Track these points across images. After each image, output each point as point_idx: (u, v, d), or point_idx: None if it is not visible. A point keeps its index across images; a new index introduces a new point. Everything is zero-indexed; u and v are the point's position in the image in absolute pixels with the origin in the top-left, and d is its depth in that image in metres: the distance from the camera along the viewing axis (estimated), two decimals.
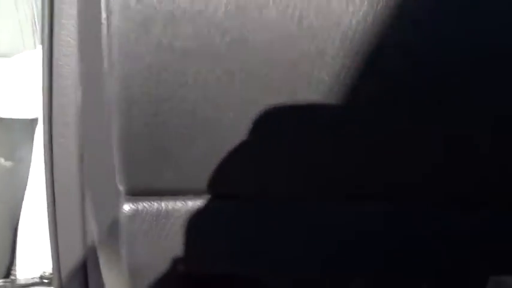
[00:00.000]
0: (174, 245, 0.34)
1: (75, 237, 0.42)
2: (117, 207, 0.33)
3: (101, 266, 0.39)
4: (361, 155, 0.32)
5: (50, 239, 0.43)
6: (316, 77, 0.28)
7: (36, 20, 0.55)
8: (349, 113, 0.30)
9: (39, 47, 0.49)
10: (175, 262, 0.35)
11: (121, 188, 0.32)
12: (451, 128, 0.31)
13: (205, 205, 0.34)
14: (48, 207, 0.42)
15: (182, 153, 0.31)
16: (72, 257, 0.44)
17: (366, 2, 0.27)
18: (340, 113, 0.30)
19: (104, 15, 0.26)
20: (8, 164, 0.60)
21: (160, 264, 0.35)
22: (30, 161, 0.60)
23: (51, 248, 0.43)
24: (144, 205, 0.33)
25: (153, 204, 0.33)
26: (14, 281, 0.57)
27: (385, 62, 0.28)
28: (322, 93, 0.29)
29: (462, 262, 0.39)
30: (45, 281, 0.52)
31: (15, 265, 0.60)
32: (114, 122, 0.29)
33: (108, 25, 0.26)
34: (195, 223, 0.34)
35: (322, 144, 0.31)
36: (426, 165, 0.34)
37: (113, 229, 0.35)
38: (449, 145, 0.32)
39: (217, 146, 0.31)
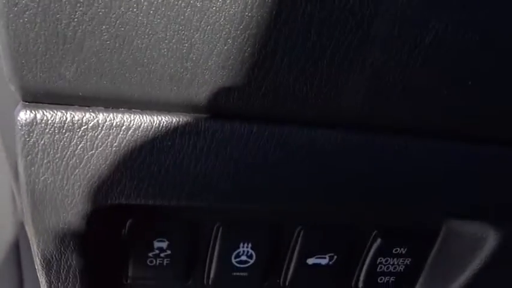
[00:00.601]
0: (83, 166, 0.29)
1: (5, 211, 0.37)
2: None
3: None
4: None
5: None
6: None
7: None
8: None
9: None
10: (85, 188, 0.30)
11: (14, 89, 0.27)
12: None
13: (122, 119, 0.29)
14: None
15: (85, 45, 0.26)
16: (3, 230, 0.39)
17: None
18: None
19: None
20: None
21: (65, 190, 0.29)
22: None
23: None
24: (44, 113, 0.28)
25: (56, 114, 0.28)
26: None
27: None
28: None
29: (418, 207, 0.35)
30: None
31: None
32: None
33: None
34: (109, 140, 0.29)
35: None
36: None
37: None
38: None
39: (135, 34, 0.26)
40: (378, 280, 0.43)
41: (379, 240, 0.40)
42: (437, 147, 0.33)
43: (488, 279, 0.40)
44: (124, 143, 0.29)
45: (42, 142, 0.28)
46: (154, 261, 0.38)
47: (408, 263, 0.42)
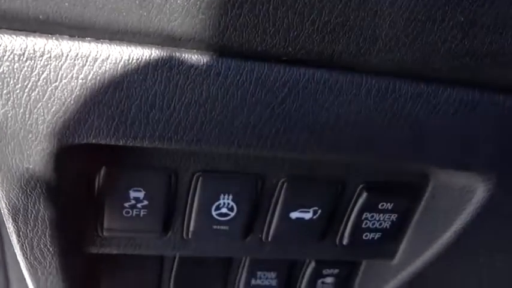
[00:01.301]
0: (46, 99, 0.27)
1: None
2: None
3: None
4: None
5: None
6: None
7: None
8: None
9: None
10: (50, 124, 0.28)
11: None
12: None
13: (88, 49, 0.27)
14: None
15: None
16: None
17: None
18: None
19: None
20: None
21: (28, 125, 0.28)
22: None
23: None
24: (2, 39, 0.25)
25: (15, 40, 0.26)
26: None
27: None
28: None
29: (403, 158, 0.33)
30: None
31: None
32: None
33: None
34: (74, 71, 0.27)
35: None
36: None
37: None
38: None
39: None
40: (363, 236, 0.41)
41: (364, 195, 0.39)
42: (425, 93, 0.31)
43: (474, 233, 0.39)
44: (91, 75, 0.27)
45: (0, 70, 0.26)
46: (130, 212, 0.37)
47: (394, 219, 0.41)
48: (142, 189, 0.36)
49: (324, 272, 0.47)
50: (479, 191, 0.36)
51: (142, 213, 0.37)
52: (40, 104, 0.27)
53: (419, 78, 0.31)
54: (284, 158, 0.36)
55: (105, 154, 0.33)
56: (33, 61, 0.26)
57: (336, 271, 0.47)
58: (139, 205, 0.36)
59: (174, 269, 0.44)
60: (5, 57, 0.25)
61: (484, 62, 0.30)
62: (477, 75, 0.31)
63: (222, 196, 0.37)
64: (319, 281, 0.47)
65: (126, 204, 0.36)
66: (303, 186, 0.38)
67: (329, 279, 0.48)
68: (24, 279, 0.39)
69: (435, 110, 0.31)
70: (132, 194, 0.36)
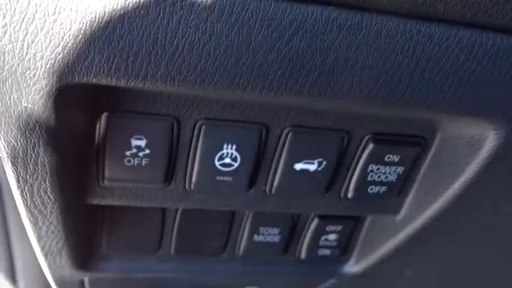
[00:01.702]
0: (44, 32, 0.26)
1: None
2: None
3: None
4: None
5: None
6: None
7: None
8: None
9: None
10: (48, 59, 0.27)
11: None
12: None
13: None
14: None
15: None
16: None
17: None
18: None
19: None
20: None
21: (26, 61, 0.26)
22: None
23: None
24: None
25: None
26: None
27: None
28: None
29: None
30: None
31: None
32: None
33: None
34: (73, 4, 0.26)
35: None
36: None
37: None
38: None
39: None
40: (368, 190, 0.41)
41: (371, 146, 0.38)
42: (437, 34, 0.30)
43: (482, 186, 0.38)
44: (90, 8, 0.26)
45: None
46: (132, 161, 0.36)
47: (400, 172, 0.40)
48: (144, 137, 0.35)
49: (327, 228, 0.47)
50: (489, 139, 0.35)
51: (144, 162, 0.36)
52: (38, 38, 0.26)
53: (432, 19, 0.30)
54: (289, 106, 0.35)
55: (106, 98, 0.32)
56: None
57: (340, 228, 0.47)
58: (141, 154, 0.36)
59: (176, 224, 0.43)
60: None
61: (499, 2, 0.29)
62: (491, 17, 0.30)
63: (225, 146, 0.36)
64: (323, 237, 0.47)
65: (128, 153, 0.36)
66: (307, 136, 0.37)
67: (332, 236, 0.47)
68: (25, 237, 0.39)
69: (447, 53, 0.30)
70: (134, 142, 0.35)
